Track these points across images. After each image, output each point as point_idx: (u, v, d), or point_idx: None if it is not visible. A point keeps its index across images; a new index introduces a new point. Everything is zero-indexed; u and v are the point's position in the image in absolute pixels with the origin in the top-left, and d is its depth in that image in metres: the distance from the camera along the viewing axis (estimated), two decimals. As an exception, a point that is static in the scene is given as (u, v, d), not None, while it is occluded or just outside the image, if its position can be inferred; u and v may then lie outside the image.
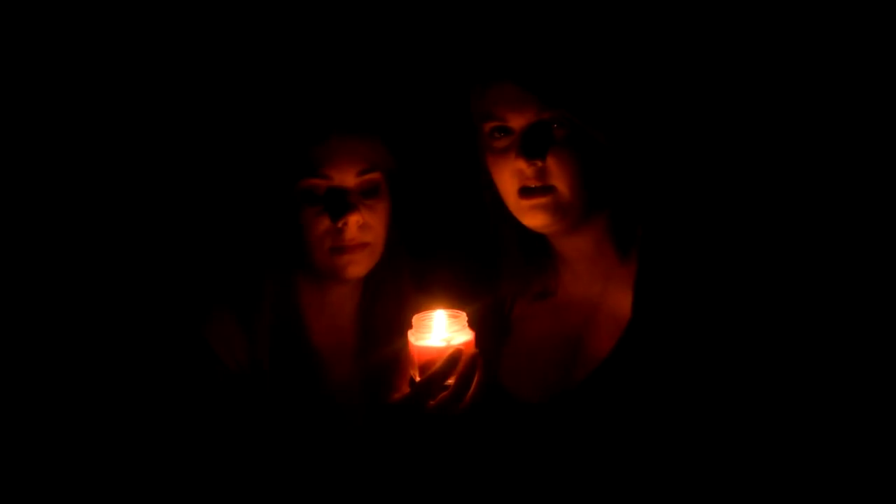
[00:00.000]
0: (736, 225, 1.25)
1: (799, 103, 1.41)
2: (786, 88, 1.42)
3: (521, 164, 1.16)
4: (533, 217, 1.19)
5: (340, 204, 1.30)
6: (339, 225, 1.29)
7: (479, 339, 1.17)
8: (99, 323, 1.49)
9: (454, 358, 1.13)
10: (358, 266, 1.32)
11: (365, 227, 1.31)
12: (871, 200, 1.34)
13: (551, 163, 1.15)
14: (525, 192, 1.18)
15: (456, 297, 1.24)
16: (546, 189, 1.17)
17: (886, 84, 1.35)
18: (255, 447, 1.26)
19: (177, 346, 1.31)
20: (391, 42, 1.57)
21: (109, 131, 1.56)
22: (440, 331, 1.16)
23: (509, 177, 1.19)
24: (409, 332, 1.17)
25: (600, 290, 1.25)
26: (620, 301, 1.20)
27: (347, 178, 1.31)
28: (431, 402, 1.12)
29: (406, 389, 1.15)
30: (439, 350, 1.14)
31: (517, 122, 1.17)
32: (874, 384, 1.23)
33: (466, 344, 1.15)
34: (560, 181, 1.16)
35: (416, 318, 1.17)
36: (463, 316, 1.17)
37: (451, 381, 1.13)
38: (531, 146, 1.15)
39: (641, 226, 1.22)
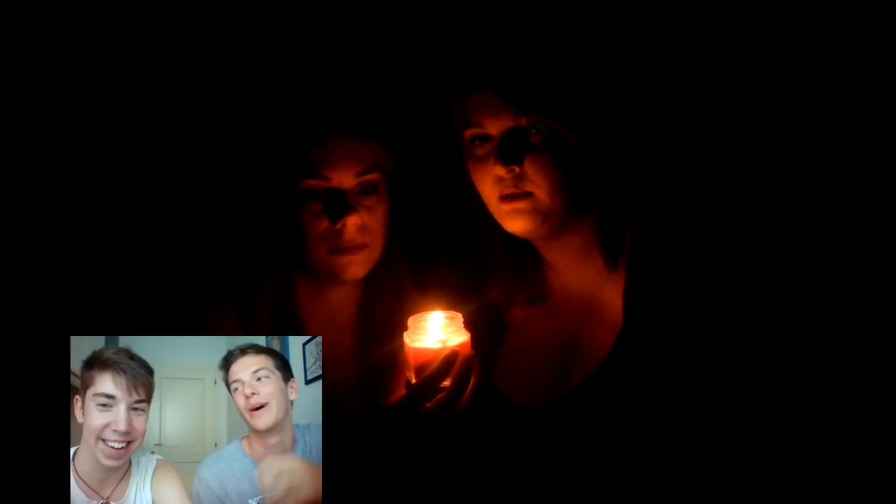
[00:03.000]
0: (725, 228, 1.24)
1: (786, 106, 1.40)
2: (771, 91, 1.41)
3: (500, 171, 1.17)
4: (513, 222, 1.20)
5: (339, 205, 1.30)
6: (338, 226, 1.29)
7: (476, 340, 1.16)
8: (97, 323, 1.49)
9: (450, 359, 1.12)
10: (357, 267, 1.32)
11: (364, 229, 1.31)
12: (862, 205, 1.34)
13: (529, 168, 1.16)
14: (505, 197, 1.19)
15: (453, 298, 1.24)
16: (525, 194, 1.17)
17: (865, 85, 1.35)
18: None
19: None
20: (389, 45, 1.57)
21: (110, 131, 1.56)
22: (436, 332, 1.15)
23: (490, 183, 1.20)
24: (405, 334, 1.16)
25: (591, 296, 1.24)
26: (612, 307, 1.20)
27: (346, 180, 1.31)
28: (427, 404, 1.12)
29: (402, 391, 1.14)
30: (435, 351, 1.13)
31: (495, 128, 1.18)
32: (867, 387, 1.22)
33: (462, 345, 1.14)
34: (538, 187, 1.16)
35: (411, 320, 1.16)
36: (459, 317, 1.17)
37: (447, 383, 1.12)
38: (508, 152, 1.16)
39: (630, 231, 1.21)
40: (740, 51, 1.42)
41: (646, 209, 1.22)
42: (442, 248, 1.42)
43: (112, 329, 1.31)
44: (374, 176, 1.33)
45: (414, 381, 1.14)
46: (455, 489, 1.22)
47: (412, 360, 1.15)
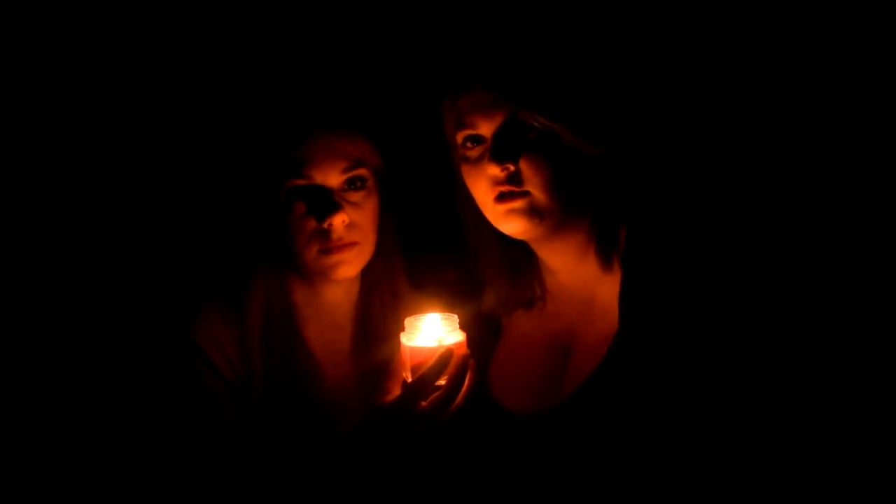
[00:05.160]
0: (721, 229, 1.25)
1: (784, 106, 1.42)
2: (770, 90, 1.43)
3: (494, 170, 1.15)
4: (510, 222, 1.18)
5: (325, 204, 1.29)
6: (325, 226, 1.28)
7: (472, 341, 1.17)
8: (88, 324, 1.46)
9: (445, 357, 1.13)
10: (348, 266, 1.31)
11: (352, 227, 1.30)
12: (857, 204, 1.36)
13: (524, 166, 1.15)
14: (500, 197, 1.17)
15: (450, 298, 1.25)
16: (521, 193, 1.16)
17: (862, 85, 1.38)
18: (247, 449, 1.25)
19: (167, 348, 1.29)
20: (371, 41, 1.56)
21: (94, 133, 1.53)
22: (432, 332, 1.16)
23: (484, 185, 1.19)
24: (402, 334, 1.17)
25: (586, 299, 1.24)
26: (607, 310, 1.19)
27: (331, 178, 1.30)
28: (423, 403, 1.12)
29: (398, 392, 1.14)
30: (431, 350, 1.14)
31: (487, 128, 1.17)
32: (865, 388, 1.24)
33: (458, 345, 1.15)
34: (534, 185, 1.15)
35: (408, 321, 1.17)
36: (455, 318, 1.17)
37: (442, 382, 1.13)
38: (502, 150, 1.15)
39: (625, 231, 1.21)
40: (733, 50, 1.43)
41: (641, 208, 1.22)
42: (439, 248, 1.42)
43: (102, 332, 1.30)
44: (360, 171, 1.32)
45: (410, 380, 1.14)
46: (452, 490, 1.23)
47: (408, 360, 1.15)
